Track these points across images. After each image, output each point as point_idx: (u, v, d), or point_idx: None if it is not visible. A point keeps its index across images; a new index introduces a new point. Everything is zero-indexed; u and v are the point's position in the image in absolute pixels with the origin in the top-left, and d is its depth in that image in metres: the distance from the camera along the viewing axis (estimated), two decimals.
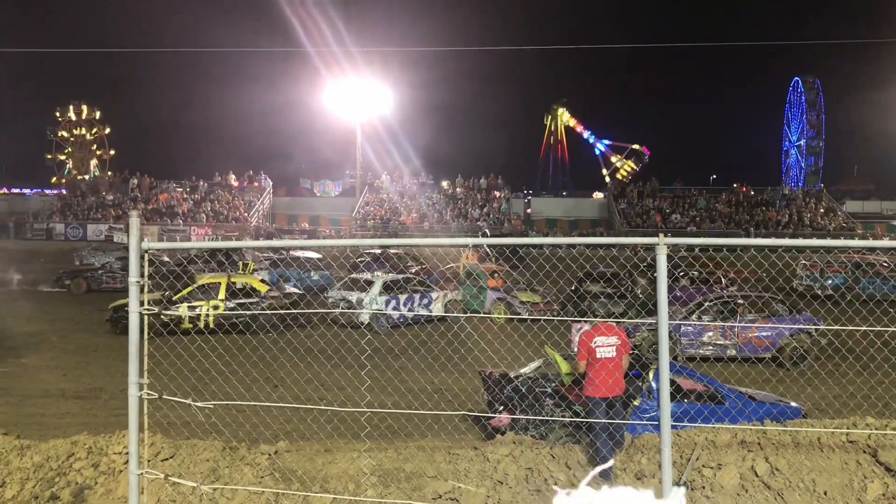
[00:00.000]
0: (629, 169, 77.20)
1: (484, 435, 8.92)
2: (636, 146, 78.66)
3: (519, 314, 19.95)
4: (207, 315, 18.15)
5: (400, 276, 21.32)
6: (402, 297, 20.18)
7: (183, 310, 17.95)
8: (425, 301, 20.56)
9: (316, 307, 19.81)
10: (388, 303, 19.68)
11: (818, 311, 16.27)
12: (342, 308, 19.37)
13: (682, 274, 19.77)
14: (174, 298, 18.49)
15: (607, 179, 75.08)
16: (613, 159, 78.67)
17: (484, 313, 21.18)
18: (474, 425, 9.79)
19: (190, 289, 19.13)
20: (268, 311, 17.39)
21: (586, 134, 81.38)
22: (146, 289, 4.58)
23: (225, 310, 18.41)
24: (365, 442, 7.14)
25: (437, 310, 20.18)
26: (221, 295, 18.83)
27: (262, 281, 20.41)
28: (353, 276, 21.62)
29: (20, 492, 6.59)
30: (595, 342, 7.30)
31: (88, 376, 14.56)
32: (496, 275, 22.73)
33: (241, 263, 24.63)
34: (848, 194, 69.36)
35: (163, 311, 4.61)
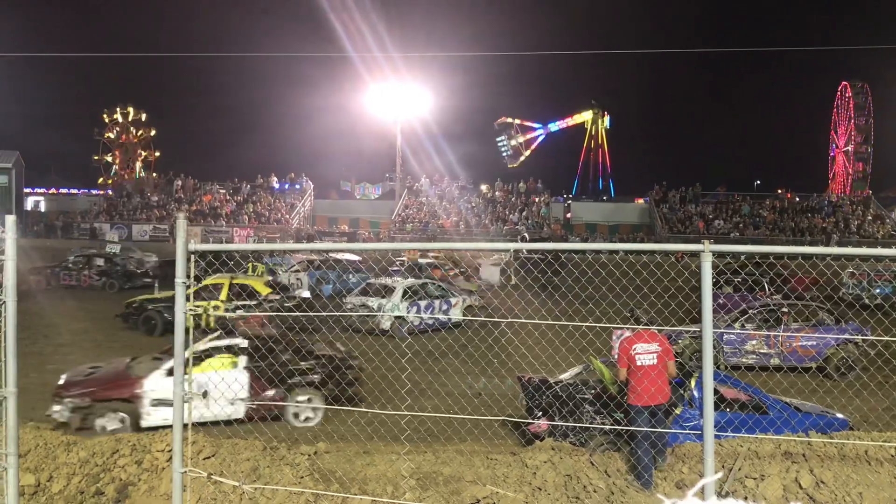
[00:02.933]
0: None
1: (523, 441, 8.89)
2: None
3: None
4: (209, 315, 18.41)
5: (420, 282, 21.33)
6: (423, 303, 20.17)
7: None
8: (445, 307, 20.55)
9: (336, 311, 19.77)
10: (409, 309, 19.61)
11: (867, 321, 15.88)
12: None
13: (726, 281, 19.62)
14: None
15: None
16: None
17: None
18: (514, 431, 9.75)
19: (195, 288, 19.27)
20: (306, 313, 17.51)
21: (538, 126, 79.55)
22: (192, 289, 4.64)
23: (224, 311, 18.28)
24: (404, 445, 7.15)
25: (455, 315, 20.09)
26: (223, 296, 19.04)
27: (268, 283, 20.34)
28: (372, 281, 21.58)
29: (67, 486, 6.72)
30: (635, 349, 7.20)
31: None
32: (437, 267, 25.48)
33: (249, 265, 24.80)
34: None
35: (207, 312, 4.66)
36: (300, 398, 11.07)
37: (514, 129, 75.98)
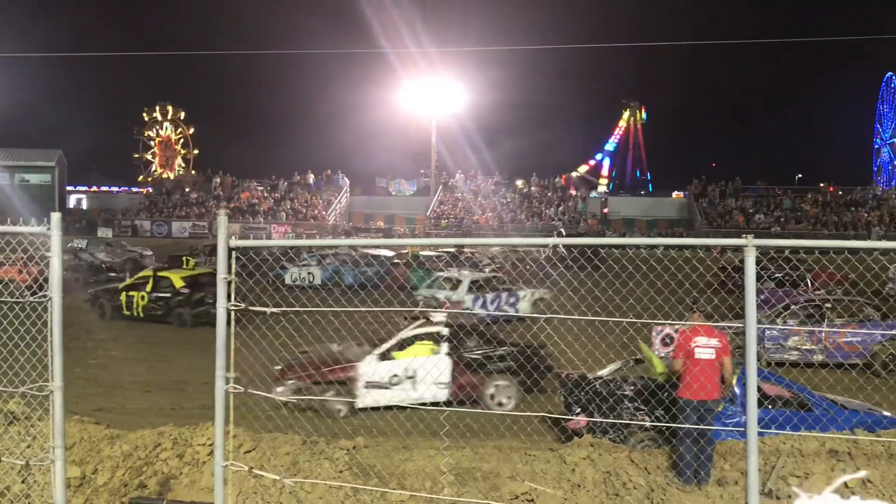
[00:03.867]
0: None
1: (563, 437, 8.83)
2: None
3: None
4: (138, 304, 20.35)
5: (487, 275, 21.57)
6: (490, 296, 20.32)
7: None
8: (512, 300, 20.59)
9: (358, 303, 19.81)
10: (475, 301, 19.83)
11: None
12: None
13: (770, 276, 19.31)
14: (119, 287, 21.00)
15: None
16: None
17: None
18: (553, 427, 9.70)
19: (133, 279, 21.50)
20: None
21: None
22: (233, 285, 4.67)
23: (148, 301, 20.25)
24: (443, 440, 7.15)
25: (523, 309, 20.14)
26: (149, 287, 20.49)
27: (185, 278, 21.13)
28: (442, 274, 21.98)
29: (111, 479, 6.82)
30: (695, 342, 7.10)
31: (172, 369, 15.01)
32: (441, 259, 26.36)
33: (184, 259, 25.47)
34: None
35: (249, 307, 4.69)
36: (496, 384, 11.60)
37: (584, 180, 75.54)
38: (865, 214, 56.46)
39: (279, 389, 11.08)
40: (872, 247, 5.65)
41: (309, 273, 27.75)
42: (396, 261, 28.33)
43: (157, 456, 7.11)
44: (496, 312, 19.30)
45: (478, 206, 61.95)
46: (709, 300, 6.68)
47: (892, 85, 72.72)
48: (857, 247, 5.55)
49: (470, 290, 20.11)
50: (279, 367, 11.35)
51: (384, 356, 11.42)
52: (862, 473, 6.48)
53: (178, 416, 11.01)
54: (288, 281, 27.01)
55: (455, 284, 20.50)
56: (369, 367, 11.16)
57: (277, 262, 27.86)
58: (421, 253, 28.69)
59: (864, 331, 14.33)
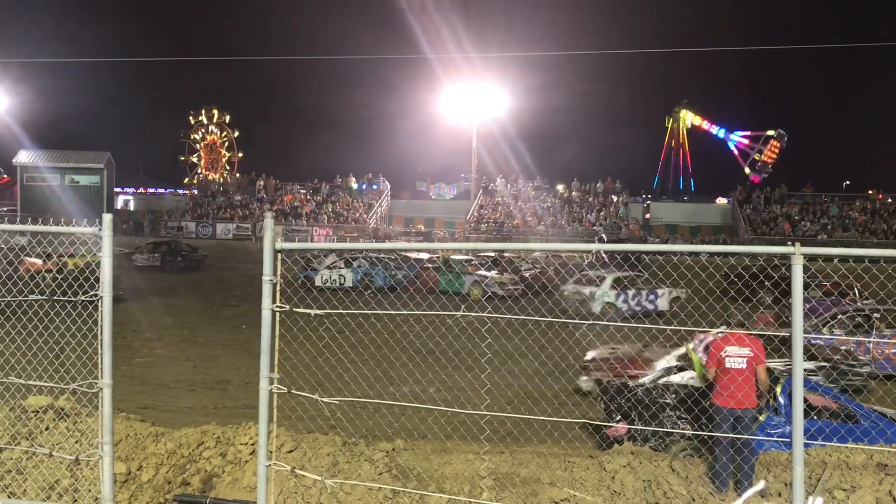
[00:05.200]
0: (773, 154, 71.42)
1: (605, 444, 8.78)
2: (771, 132, 73.21)
3: (489, 292, 25.21)
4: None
5: (627, 274, 22.94)
6: (631, 293, 21.88)
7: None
8: (651, 297, 22.11)
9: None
10: (617, 297, 21.55)
11: None
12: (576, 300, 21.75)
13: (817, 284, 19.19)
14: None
15: (747, 171, 71.11)
16: (752, 152, 73.25)
17: (465, 294, 25.66)
18: (595, 434, 9.64)
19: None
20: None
21: (715, 129, 77.31)
22: (279, 287, 4.72)
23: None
24: (482, 444, 7.14)
25: (662, 305, 21.70)
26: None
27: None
28: (586, 273, 23.52)
29: (155, 475, 6.92)
30: (726, 351, 7.02)
31: (216, 369, 15.21)
32: (471, 262, 28.24)
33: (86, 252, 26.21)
34: None
35: (294, 309, 4.74)
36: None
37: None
38: None
39: (583, 378, 12.05)
40: None
41: (340, 275, 27.97)
42: (427, 264, 28.58)
43: (200, 454, 7.19)
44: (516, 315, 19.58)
45: (518, 210, 61.77)
46: (755, 309, 6.58)
47: None
48: None
49: (613, 286, 21.69)
50: (586, 359, 12.24)
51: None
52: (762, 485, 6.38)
53: (221, 415, 11.17)
54: (318, 283, 27.20)
55: (598, 281, 22.12)
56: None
57: (309, 265, 28.29)
58: (451, 256, 29.02)
59: None
